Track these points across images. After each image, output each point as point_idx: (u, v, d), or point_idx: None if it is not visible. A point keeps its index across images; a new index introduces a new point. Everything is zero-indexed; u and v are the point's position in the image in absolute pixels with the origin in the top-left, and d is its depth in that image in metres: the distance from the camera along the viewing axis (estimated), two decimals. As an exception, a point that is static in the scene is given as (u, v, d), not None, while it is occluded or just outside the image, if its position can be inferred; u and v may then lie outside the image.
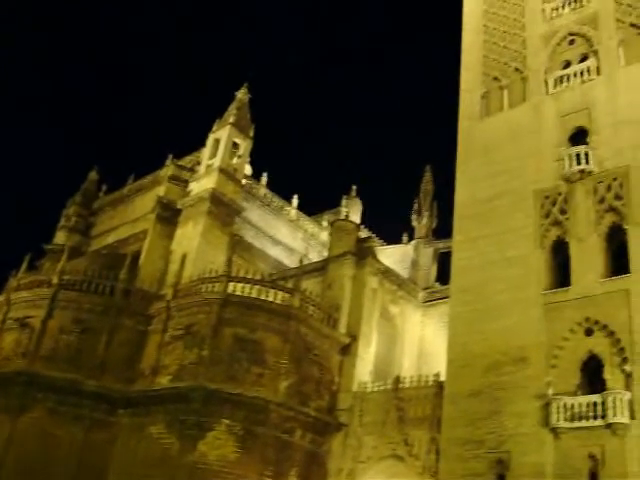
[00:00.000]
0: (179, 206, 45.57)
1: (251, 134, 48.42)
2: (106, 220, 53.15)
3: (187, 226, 44.43)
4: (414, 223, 53.12)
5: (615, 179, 31.10)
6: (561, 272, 31.33)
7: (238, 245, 45.85)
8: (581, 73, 35.07)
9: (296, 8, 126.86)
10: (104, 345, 37.14)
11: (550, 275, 31.61)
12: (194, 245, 43.01)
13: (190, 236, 43.73)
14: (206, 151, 47.46)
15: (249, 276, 38.11)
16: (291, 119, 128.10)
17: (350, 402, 37.21)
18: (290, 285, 38.42)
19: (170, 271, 42.58)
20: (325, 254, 46.88)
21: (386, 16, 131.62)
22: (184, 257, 42.76)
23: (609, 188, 31.11)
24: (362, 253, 42.04)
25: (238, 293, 36.70)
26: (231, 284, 37.03)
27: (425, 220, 52.96)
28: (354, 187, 54.01)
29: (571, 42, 36.74)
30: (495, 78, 38.86)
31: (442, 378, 33.69)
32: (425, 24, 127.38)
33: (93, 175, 57.69)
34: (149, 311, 38.62)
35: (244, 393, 33.91)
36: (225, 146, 46.58)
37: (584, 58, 35.69)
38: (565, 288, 30.39)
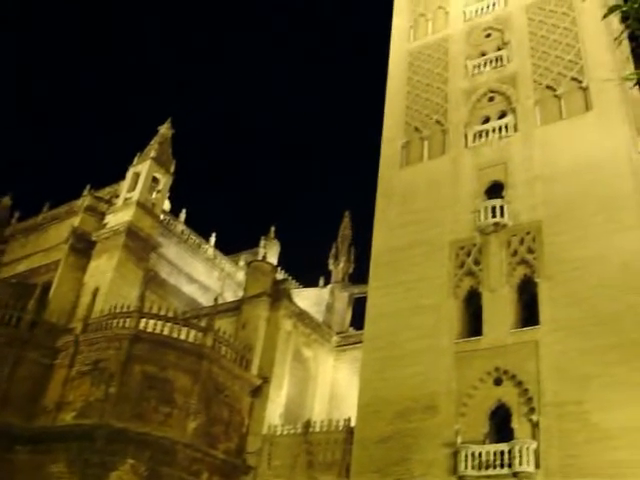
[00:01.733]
0: (94, 238, 44.55)
1: (172, 169, 48.04)
2: (17, 248, 51.39)
3: (101, 259, 43.43)
4: (331, 267, 53.46)
5: (528, 233, 32.14)
6: (473, 322, 31.98)
7: (152, 281, 45.07)
8: (499, 129, 36.39)
9: (223, 50, 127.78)
10: (6, 378, 35.56)
11: (462, 324, 32.20)
12: (107, 279, 42.04)
13: (104, 269, 42.73)
14: (125, 184, 46.75)
15: (162, 313, 37.40)
16: (213, 157, 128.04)
17: (259, 445, 36.72)
18: (203, 324, 37.88)
19: (81, 304, 41.35)
20: (241, 294, 46.57)
21: (309, 64, 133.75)
22: (96, 290, 41.63)
23: (522, 241, 32.10)
24: (278, 295, 41.95)
25: (150, 330, 35.90)
26: (143, 320, 36.23)
27: (342, 265, 53.37)
28: (273, 228, 54.09)
29: (491, 99, 38.15)
30: (417, 129, 39.87)
31: (353, 423, 33.67)
32: (351, 71, 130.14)
33: (6, 201, 55.89)
34: (56, 344, 37.30)
35: (151, 432, 33.00)
36: (145, 180, 46.02)
37: (503, 115, 37.08)
38: (476, 338, 30.99)
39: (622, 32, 6.61)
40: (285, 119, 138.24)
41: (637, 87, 32.45)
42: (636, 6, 6.15)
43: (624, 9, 6.30)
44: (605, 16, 7.10)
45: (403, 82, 42.23)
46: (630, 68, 34.13)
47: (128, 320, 36.19)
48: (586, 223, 30.81)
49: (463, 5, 43.28)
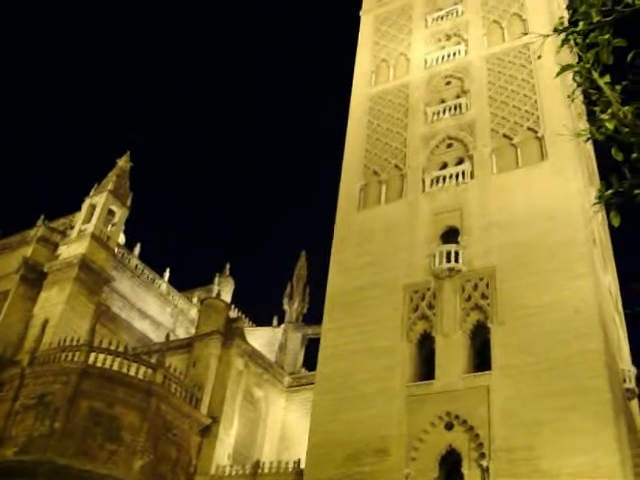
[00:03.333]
0: (46, 269, 43.79)
1: (128, 203, 47.69)
2: (-35, 276, 50.33)
3: (52, 290, 42.65)
4: (285, 307, 53.30)
5: (482, 279, 32.45)
6: (426, 365, 32.02)
7: (104, 315, 44.42)
8: (456, 175, 36.89)
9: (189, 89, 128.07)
10: (-55, 410, 34.63)
11: (415, 368, 32.20)
12: (57, 311, 41.24)
13: (54, 301, 41.95)
14: (80, 215, 46.22)
15: (112, 348, 36.82)
16: (170, 192, 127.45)
17: (206, 485, 36.06)
18: (154, 360, 37.38)
19: (29, 336, 40.45)
20: (193, 331, 46.11)
21: (269, 102, 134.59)
22: (46, 322, 40.84)
23: (476, 287, 32.38)
24: (230, 333, 41.61)
25: (99, 364, 35.29)
26: (92, 355, 35.63)
27: (296, 305, 53.25)
28: (228, 265, 53.86)
29: (449, 145, 38.72)
30: (375, 172, 40.22)
31: (303, 465, 33.27)
32: (311, 112, 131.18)
33: (-45, 230, 54.82)
34: (1, 377, 36.45)
35: (95, 470, 32.22)
36: (100, 212, 45.59)
37: (460, 161, 37.63)
38: (429, 381, 30.98)
39: (574, 90, 6.76)
40: (243, 156, 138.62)
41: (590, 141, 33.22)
42: (588, 66, 6.33)
43: (576, 69, 6.48)
44: (558, 74, 7.26)
45: (363, 126, 42.72)
46: (584, 122, 35.04)
47: (77, 354, 35.56)
48: (539, 270, 31.21)
49: (424, 53, 44.11)
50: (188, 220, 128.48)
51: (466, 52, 42.41)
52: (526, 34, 38.59)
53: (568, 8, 6.44)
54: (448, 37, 44.22)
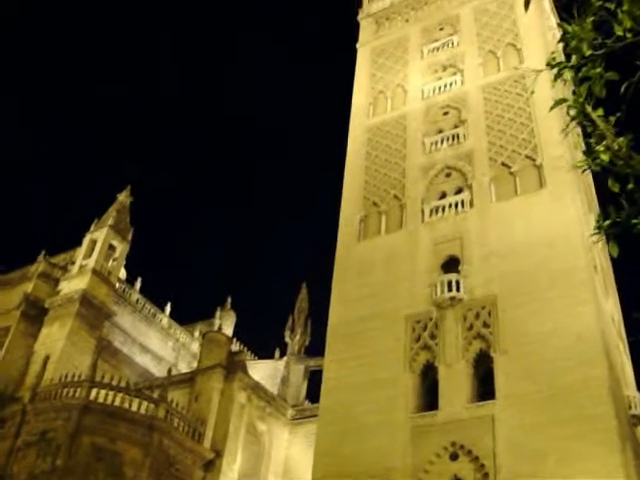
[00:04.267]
0: (47, 305, 43.82)
1: (129, 238, 47.84)
2: (-36, 313, 50.26)
3: (53, 326, 42.63)
4: (287, 339, 53.12)
5: (484, 307, 32.40)
6: (429, 396, 31.84)
7: (105, 350, 44.29)
8: (455, 205, 37.00)
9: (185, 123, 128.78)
10: (-53, 448, 34.41)
11: (418, 399, 32.04)
12: (59, 347, 41.19)
13: (55, 337, 41.91)
14: (81, 251, 46.36)
15: (114, 383, 36.67)
16: (171, 226, 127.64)
17: (210, 521, 35.72)
18: (156, 395, 37.22)
19: (30, 372, 40.38)
20: (195, 365, 45.92)
21: (269, 134, 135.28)
22: (47, 358, 40.80)
23: (478, 316, 32.32)
24: (232, 367, 41.46)
25: (101, 400, 35.14)
26: (94, 390, 35.48)
27: (298, 337, 53.08)
28: (229, 299, 53.81)
29: (448, 175, 38.87)
30: (375, 203, 40.34)
31: (306, 499, 33.00)
32: (310, 145, 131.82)
33: (-43, 265, 54.91)
34: (2, 414, 36.26)
35: (98, 507, 31.99)
36: (101, 248, 45.73)
37: (459, 191, 37.75)
38: (433, 412, 30.80)
39: (568, 124, 6.83)
40: (244, 189, 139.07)
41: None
42: (581, 100, 6.41)
43: (569, 103, 6.57)
44: (551, 108, 7.34)
45: (362, 157, 42.94)
46: (581, 151, 35.16)
47: (78, 390, 35.41)
48: (541, 297, 31.17)
49: (421, 84, 44.46)
50: (189, 254, 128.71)
51: (462, 82, 42.76)
52: (517, 69, 39.04)
53: (560, 41, 6.52)
54: (444, 68, 44.61)
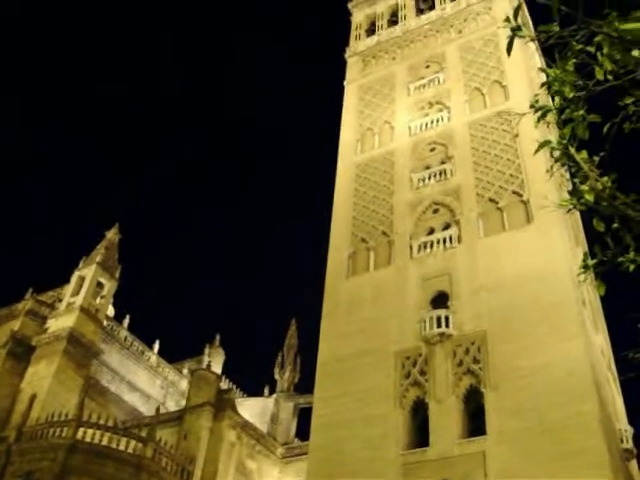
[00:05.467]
0: (34, 343, 43.48)
1: (117, 275, 47.70)
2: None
3: (40, 365, 42.24)
4: (277, 376, 52.83)
5: (473, 343, 32.34)
6: (420, 432, 31.60)
7: (92, 388, 43.85)
8: (444, 240, 37.11)
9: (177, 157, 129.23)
10: None
11: (409, 435, 31.80)
12: (45, 385, 40.78)
13: (42, 375, 41.51)
14: (69, 288, 46.16)
15: (101, 422, 36.32)
16: (160, 262, 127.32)
17: None
18: (144, 434, 36.83)
19: (16, 411, 39.92)
20: (183, 403, 45.53)
21: (257, 170, 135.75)
22: (33, 397, 40.36)
23: (467, 351, 32.24)
24: (221, 405, 41.18)
25: (88, 440, 34.79)
26: (81, 429, 35.16)
27: (288, 374, 52.80)
28: (218, 336, 53.56)
29: (435, 211, 39.04)
30: (363, 239, 40.40)
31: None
32: (298, 181, 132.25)
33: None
34: (-13, 454, 35.79)
35: None
36: (89, 285, 45.54)
37: (447, 226, 37.89)
38: (424, 449, 30.55)
39: (552, 166, 6.92)
40: (233, 225, 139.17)
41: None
42: (564, 142, 6.50)
43: (552, 145, 6.65)
44: (536, 152, 7.43)
45: (350, 193, 43.12)
46: (566, 188, 35.44)
47: (65, 429, 35.07)
48: (530, 332, 31.15)
49: (408, 120, 44.83)
50: (177, 291, 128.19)
51: (449, 119, 43.15)
52: (502, 115, 39.43)
53: (543, 85, 6.62)
54: (431, 105, 45.03)
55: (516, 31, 6.25)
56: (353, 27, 56.65)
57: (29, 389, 41.24)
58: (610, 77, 6.11)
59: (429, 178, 40.58)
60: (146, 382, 49.82)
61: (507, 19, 6.30)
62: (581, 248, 39.60)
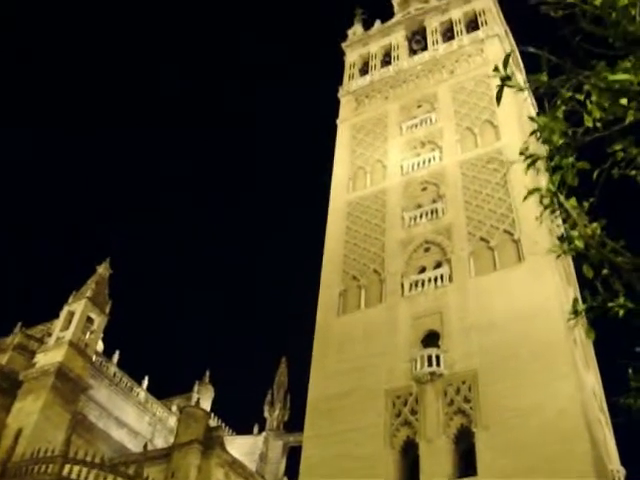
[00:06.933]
0: (21, 377, 43.07)
1: (107, 310, 47.53)
2: None
3: (27, 400, 41.80)
4: (266, 414, 52.47)
5: (464, 382, 32.20)
6: (411, 472, 31.33)
7: (80, 424, 43.39)
8: (435, 279, 37.14)
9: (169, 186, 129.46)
10: None
11: (399, 475, 31.48)
12: (32, 421, 40.31)
13: (29, 411, 41.05)
14: (59, 323, 45.94)
15: (88, 459, 35.89)
16: (151, 299, 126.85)
17: None
18: (132, 471, 36.41)
19: (1, 447, 39.36)
20: (172, 440, 45.06)
21: (248, 207, 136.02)
22: (19, 433, 39.86)
23: (458, 391, 32.09)
24: (210, 442, 40.72)
25: (74, 477, 34.39)
26: (67, 466, 34.74)
27: (277, 412, 52.44)
28: (207, 372, 53.24)
29: (427, 249, 39.15)
30: (354, 277, 40.41)
31: None
32: (290, 219, 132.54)
33: None
34: (-30, 492, 35.30)
35: None
36: (79, 320, 45.33)
37: (438, 265, 37.95)
38: (414, 490, 30.32)
39: (542, 213, 6.99)
40: (224, 261, 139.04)
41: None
42: (553, 189, 6.57)
43: (542, 193, 6.73)
44: (525, 199, 7.52)
45: (342, 231, 43.23)
46: (556, 232, 35.61)
47: (51, 466, 34.66)
48: (521, 371, 31.08)
49: (400, 159, 45.16)
50: (168, 327, 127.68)
51: (441, 158, 43.47)
52: (491, 160, 39.82)
53: (532, 133, 6.71)
54: (423, 144, 45.41)
55: (506, 80, 6.34)
56: (347, 67, 57.31)
57: (15, 424, 40.74)
58: (599, 125, 6.20)
59: (421, 217, 40.76)
60: (134, 418, 49.33)
61: (496, 68, 6.41)
62: (573, 287, 39.73)
